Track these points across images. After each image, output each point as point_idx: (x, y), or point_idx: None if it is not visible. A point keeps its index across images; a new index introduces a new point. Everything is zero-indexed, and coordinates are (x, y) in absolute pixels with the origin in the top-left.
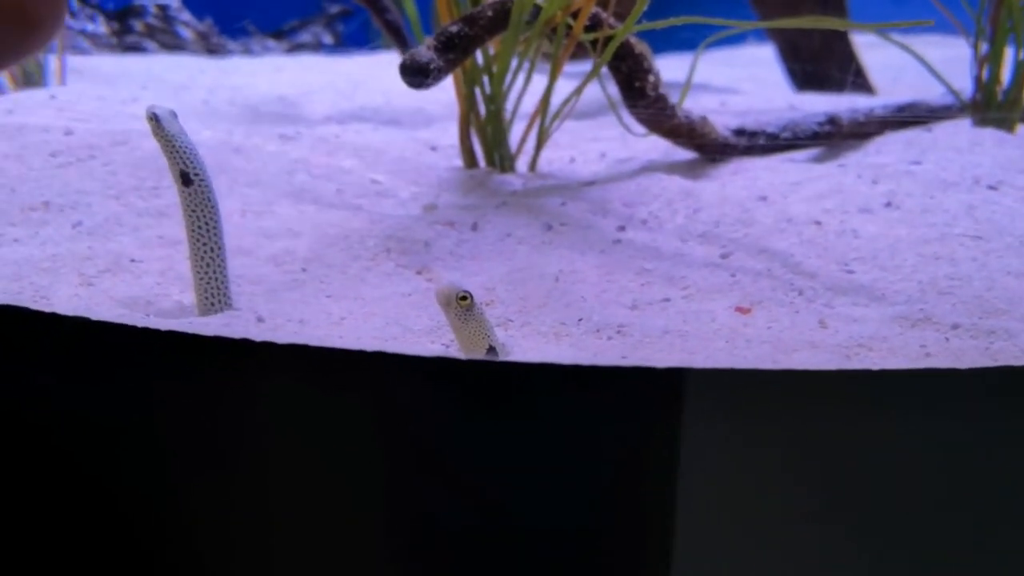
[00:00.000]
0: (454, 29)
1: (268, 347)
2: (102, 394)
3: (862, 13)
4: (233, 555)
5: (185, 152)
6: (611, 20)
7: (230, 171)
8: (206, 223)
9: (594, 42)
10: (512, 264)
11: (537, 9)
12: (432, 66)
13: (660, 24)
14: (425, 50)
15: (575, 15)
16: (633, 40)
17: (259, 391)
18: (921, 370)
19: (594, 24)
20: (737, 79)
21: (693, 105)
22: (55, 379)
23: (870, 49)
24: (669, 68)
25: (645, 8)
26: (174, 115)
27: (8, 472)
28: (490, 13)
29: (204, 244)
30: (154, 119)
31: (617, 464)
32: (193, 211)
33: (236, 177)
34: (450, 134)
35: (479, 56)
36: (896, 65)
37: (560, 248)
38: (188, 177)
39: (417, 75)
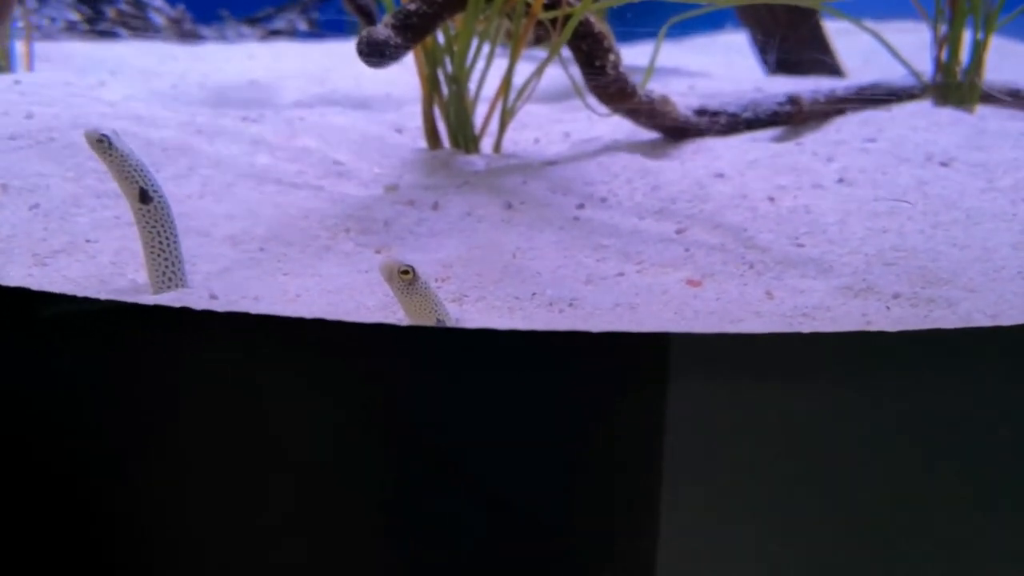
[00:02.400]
0: (412, 7)
1: (209, 316)
2: (43, 366)
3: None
4: (181, 522)
5: (139, 169)
6: None
7: (191, 153)
8: (166, 234)
9: (554, 23)
10: (471, 241)
11: None
12: (390, 43)
13: (618, 1)
14: (383, 28)
15: None
16: (593, 19)
17: (204, 360)
18: (852, 332)
19: (553, 3)
20: (711, 64)
21: (663, 88)
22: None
23: (841, 35)
24: (644, 55)
25: None
26: (116, 134)
27: None
28: None
29: (162, 249)
30: (104, 140)
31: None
32: (153, 228)
33: (197, 159)
34: (417, 117)
35: (441, 37)
36: (866, 50)
37: (519, 226)
38: (147, 194)
39: (374, 53)
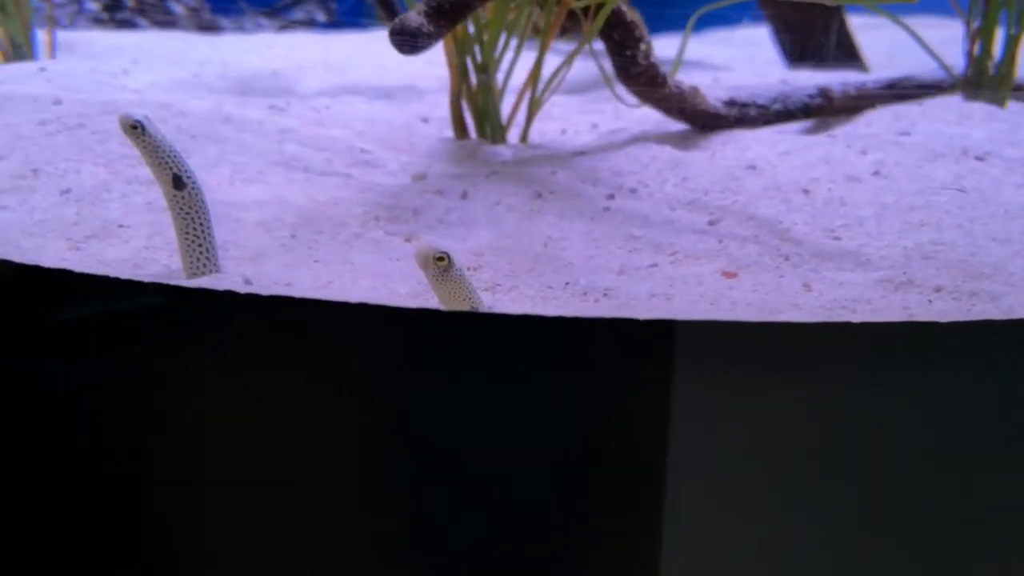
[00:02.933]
0: None
1: (253, 299)
2: (89, 347)
3: None
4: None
5: (173, 155)
6: None
7: (220, 140)
8: (200, 219)
9: (586, 12)
10: (501, 231)
11: None
12: (423, 30)
13: None
14: (415, 15)
15: None
16: (624, 8)
17: (246, 343)
18: (900, 323)
19: None
20: (733, 58)
21: (688, 80)
22: (45, 331)
23: (864, 29)
24: (666, 48)
25: None
26: (149, 120)
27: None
28: None
29: (196, 235)
30: (137, 126)
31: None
32: (187, 214)
33: (226, 146)
34: (442, 107)
35: (471, 26)
36: (889, 44)
37: (549, 215)
38: (180, 180)
39: (406, 40)
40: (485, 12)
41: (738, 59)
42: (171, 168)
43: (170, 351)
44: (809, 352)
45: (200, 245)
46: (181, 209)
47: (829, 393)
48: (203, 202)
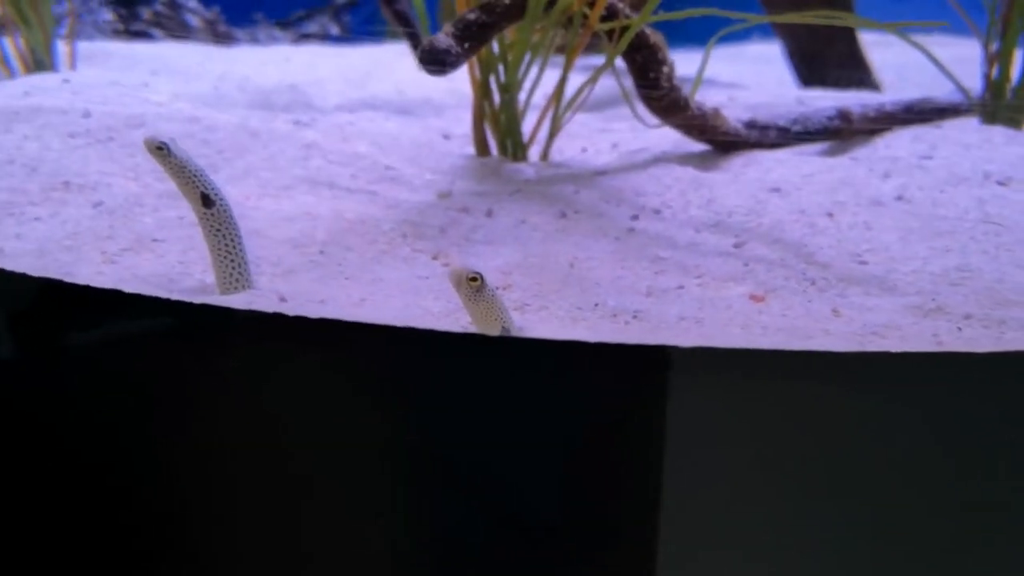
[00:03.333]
0: (472, 16)
1: (302, 321)
2: (133, 365)
3: (867, 12)
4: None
5: (199, 174)
6: (627, 10)
7: (247, 155)
8: (230, 236)
9: (609, 33)
10: (527, 250)
11: None
12: (452, 52)
13: (677, 15)
14: (444, 37)
15: (591, 4)
16: (648, 31)
17: (295, 364)
18: (934, 353)
19: (610, 14)
20: (743, 75)
21: (702, 99)
22: (88, 349)
23: (875, 47)
24: (677, 63)
25: (660, 0)
26: (174, 141)
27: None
28: (507, 1)
29: (228, 251)
30: (163, 148)
31: (619, 435)
32: (218, 231)
33: (252, 161)
34: (462, 123)
35: (495, 45)
36: (900, 64)
37: (574, 235)
38: (208, 199)
39: (437, 62)
40: (509, 33)
41: (749, 76)
42: (198, 187)
43: (204, 369)
44: (840, 382)
45: (232, 261)
46: (211, 226)
47: (857, 424)
48: (233, 219)
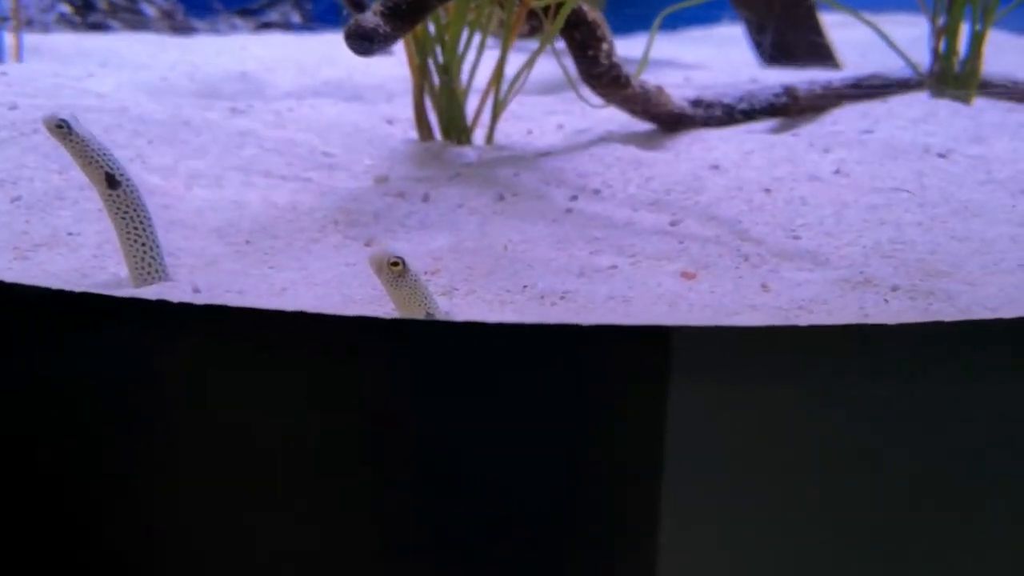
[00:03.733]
0: None
1: (187, 308)
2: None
3: None
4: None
5: (103, 153)
6: None
7: (178, 144)
8: (139, 220)
9: (547, 11)
10: (462, 234)
11: None
12: (378, 31)
13: None
14: (371, 16)
15: None
16: (586, 7)
17: (184, 353)
18: (854, 325)
19: None
20: (708, 57)
21: (658, 80)
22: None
23: (838, 27)
24: (642, 47)
25: None
26: (75, 119)
27: None
28: None
29: (137, 237)
30: (63, 125)
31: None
32: (125, 214)
33: (184, 150)
34: (410, 109)
35: (432, 27)
36: (863, 42)
37: (511, 218)
38: (114, 179)
39: (362, 41)
40: (446, 12)
41: (714, 58)
42: (102, 167)
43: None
44: (761, 356)
45: (143, 248)
46: (119, 209)
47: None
48: (141, 202)
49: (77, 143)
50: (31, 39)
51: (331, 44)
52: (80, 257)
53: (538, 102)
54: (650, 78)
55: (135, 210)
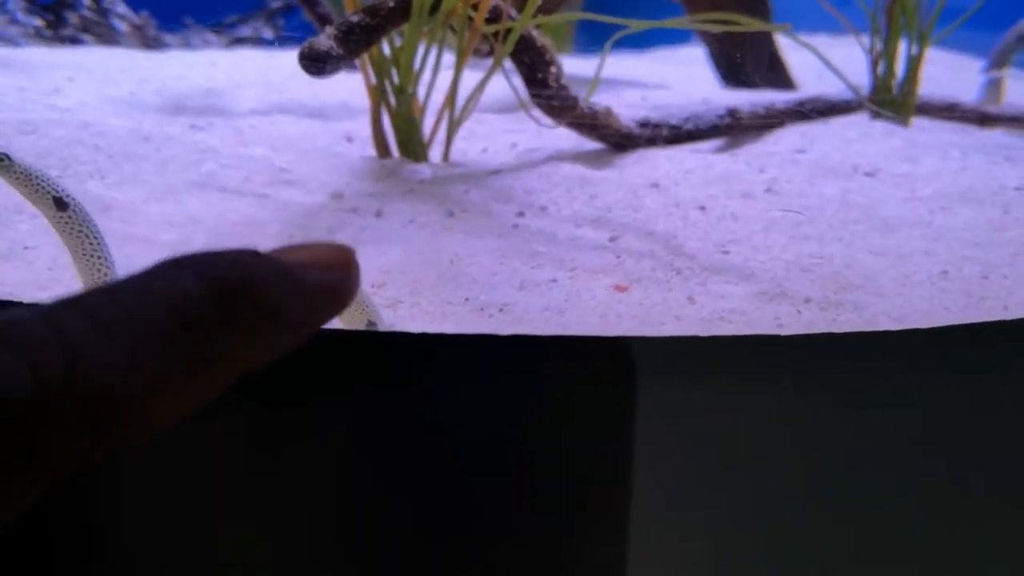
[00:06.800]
0: (355, 19)
1: None
2: None
3: (786, 16)
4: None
5: (47, 180)
6: (512, 12)
7: (136, 159)
8: (91, 238)
9: (497, 35)
10: (411, 248)
11: (439, 0)
12: (331, 54)
13: (555, 19)
14: (325, 39)
15: (475, 7)
16: (535, 33)
17: None
18: (755, 336)
19: (495, 17)
20: (671, 77)
21: (616, 99)
22: None
23: (796, 50)
24: (611, 66)
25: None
26: (10, 150)
27: None
28: (391, 4)
29: (92, 254)
30: (3, 158)
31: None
32: (79, 233)
33: (142, 165)
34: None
35: (387, 48)
36: (820, 65)
37: (459, 233)
38: (62, 201)
39: (315, 63)
40: (400, 34)
41: (675, 78)
42: (48, 192)
43: None
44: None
45: (98, 264)
46: (70, 230)
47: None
48: (91, 220)
49: (20, 174)
50: (1, 53)
51: None
52: (35, 271)
53: (496, 120)
54: (609, 97)
55: (87, 227)
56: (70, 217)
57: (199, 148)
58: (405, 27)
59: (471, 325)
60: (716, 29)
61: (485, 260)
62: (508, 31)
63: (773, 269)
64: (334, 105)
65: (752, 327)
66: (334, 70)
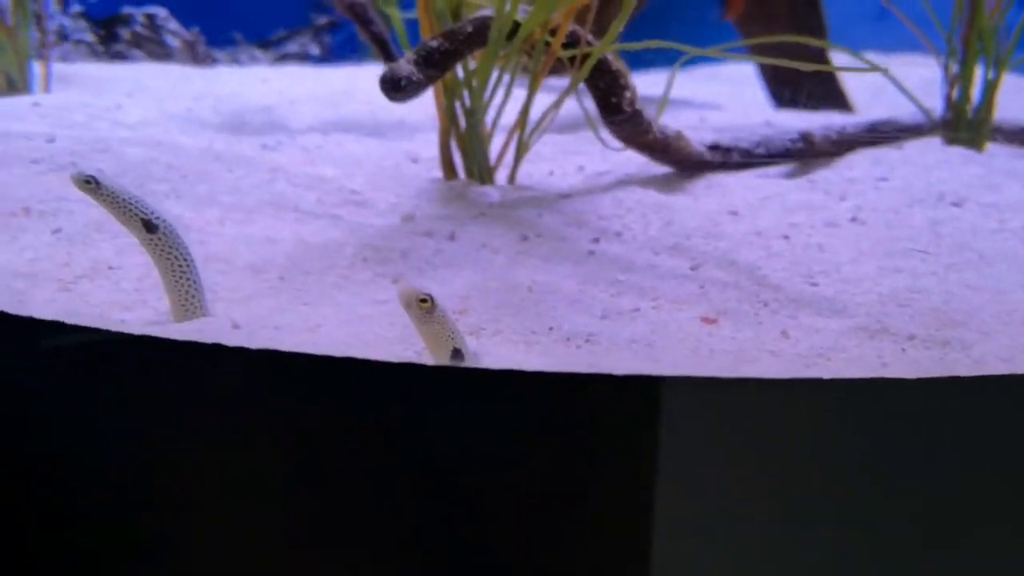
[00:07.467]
0: (434, 44)
1: (241, 352)
2: (76, 397)
3: (841, 33)
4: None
5: (135, 201)
6: (589, 38)
7: (210, 179)
8: (181, 259)
9: (572, 58)
10: (487, 274)
11: (516, 25)
12: (412, 79)
13: (635, 46)
14: (405, 64)
15: (553, 32)
16: (610, 57)
17: (232, 395)
18: (874, 379)
19: (572, 41)
20: (719, 95)
21: (674, 120)
22: (32, 381)
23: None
24: (653, 84)
25: (622, 29)
26: (102, 172)
27: None
28: (470, 29)
29: (181, 275)
30: (91, 182)
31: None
32: (168, 255)
33: (216, 186)
34: (432, 146)
35: (460, 70)
36: (875, 84)
37: (535, 259)
38: (151, 224)
39: (396, 88)
40: (474, 58)
41: (724, 97)
42: (137, 214)
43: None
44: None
45: (186, 285)
46: (160, 251)
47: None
48: (181, 241)
49: (108, 196)
50: (57, 68)
51: (350, 77)
52: (122, 290)
53: (560, 141)
54: (667, 118)
55: (176, 249)
56: (160, 239)
57: (269, 167)
58: (479, 51)
59: (559, 356)
60: (780, 63)
61: (564, 287)
62: (585, 56)
63: (867, 303)
64: (391, 123)
65: (854, 365)
66: (415, 94)
